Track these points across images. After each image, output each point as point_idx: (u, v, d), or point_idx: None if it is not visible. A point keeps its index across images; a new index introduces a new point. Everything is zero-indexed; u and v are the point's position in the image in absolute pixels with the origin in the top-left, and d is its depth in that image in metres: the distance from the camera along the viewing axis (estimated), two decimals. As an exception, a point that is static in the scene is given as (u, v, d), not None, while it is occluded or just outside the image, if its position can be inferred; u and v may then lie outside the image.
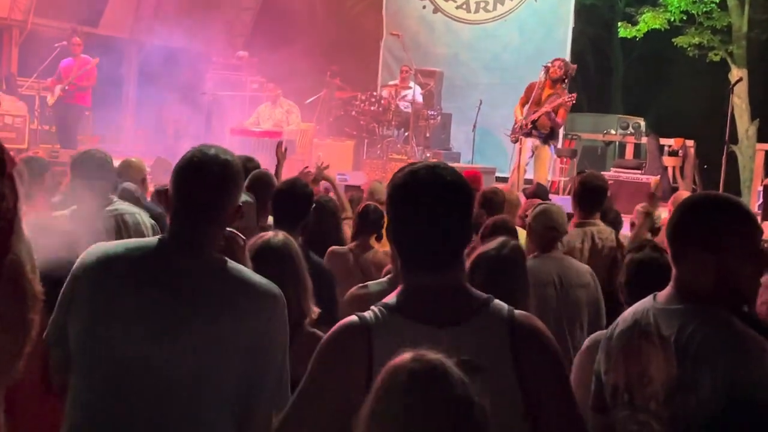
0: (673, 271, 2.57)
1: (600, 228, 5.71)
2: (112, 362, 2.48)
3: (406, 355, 1.78)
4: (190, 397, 2.47)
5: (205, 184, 2.58)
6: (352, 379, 2.11)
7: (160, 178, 7.73)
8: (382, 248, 5.46)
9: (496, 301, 2.24)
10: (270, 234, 3.69)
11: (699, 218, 2.54)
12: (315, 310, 3.57)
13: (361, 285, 3.98)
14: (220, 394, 2.50)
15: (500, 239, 3.83)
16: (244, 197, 4.36)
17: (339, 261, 5.26)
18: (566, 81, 12.13)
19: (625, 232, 6.66)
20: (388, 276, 3.97)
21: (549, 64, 12.05)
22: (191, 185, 2.60)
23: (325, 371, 2.20)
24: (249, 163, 5.78)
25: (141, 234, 4.74)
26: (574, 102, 12.27)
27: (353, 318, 2.21)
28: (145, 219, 4.94)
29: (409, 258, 2.24)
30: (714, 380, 2.34)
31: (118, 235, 4.60)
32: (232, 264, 2.61)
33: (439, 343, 1.86)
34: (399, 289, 2.25)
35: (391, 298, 2.24)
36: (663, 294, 2.58)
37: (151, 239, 2.66)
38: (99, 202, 4.71)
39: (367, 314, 2.20)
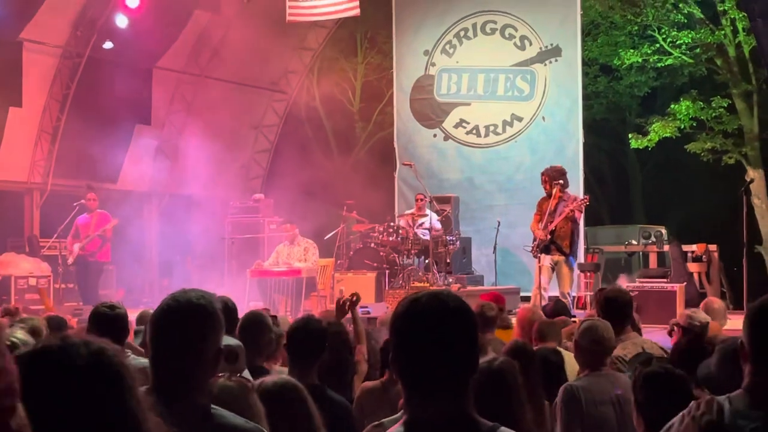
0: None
1: (642, 339, 5.68)
2: None
3: None
4: None
5: (178, 330, 2.54)
6: None
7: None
8: None
9: (503, 428, 2.17)
10: (270, 378, 3.61)
11: None
12: None
13: (376, 423, 3.90)
14: None
15: (493, 355, 3.82)
16: (231, 341, 4.32)
17: (370, 396, 5.20)
18: (561, 182, 12.18)
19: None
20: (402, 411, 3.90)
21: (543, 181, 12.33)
22: (164, 332, 2.56)
23: None
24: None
25: None
26: (587, 203, 12.37)
27: None
28: None
29: (414, 388, 2.18)
30: None
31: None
32: (215, 411, 2.55)
33: None
34: (402, 420, 2.18)
35: (395, 429, 2.18)
36: (736, 397, 2.51)
37: None
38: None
39: None
